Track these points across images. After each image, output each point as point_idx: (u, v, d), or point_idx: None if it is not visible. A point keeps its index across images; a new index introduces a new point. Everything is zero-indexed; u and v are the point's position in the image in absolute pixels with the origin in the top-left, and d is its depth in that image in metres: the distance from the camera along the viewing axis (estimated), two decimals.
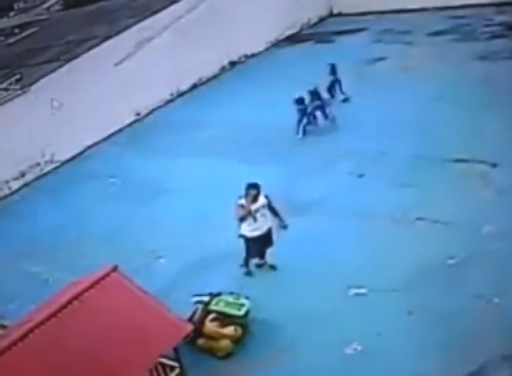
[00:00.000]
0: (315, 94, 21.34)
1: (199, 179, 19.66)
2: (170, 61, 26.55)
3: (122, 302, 10.73)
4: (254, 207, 13.94)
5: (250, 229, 14.12)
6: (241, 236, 14.36)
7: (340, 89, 23.12)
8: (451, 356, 11.25)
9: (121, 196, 19.99)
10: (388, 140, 18.83)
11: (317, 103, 21.31)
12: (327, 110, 21.39)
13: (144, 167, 21.45)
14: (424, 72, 20.68)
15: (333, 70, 23.08)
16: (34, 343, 9.78)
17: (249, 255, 14.60)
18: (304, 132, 21.17)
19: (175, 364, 11.14)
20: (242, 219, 14.04)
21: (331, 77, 23.07)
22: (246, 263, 14.72)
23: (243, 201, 14.02)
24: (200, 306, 13.00)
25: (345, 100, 23.02)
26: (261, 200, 14.08)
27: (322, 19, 34.29)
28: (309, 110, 21.20)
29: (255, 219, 13.98)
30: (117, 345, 10.19)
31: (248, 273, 14.74)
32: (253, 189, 14.03)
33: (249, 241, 14.28)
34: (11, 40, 31.22)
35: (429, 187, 16.45)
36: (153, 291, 11.49)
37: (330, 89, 23.00)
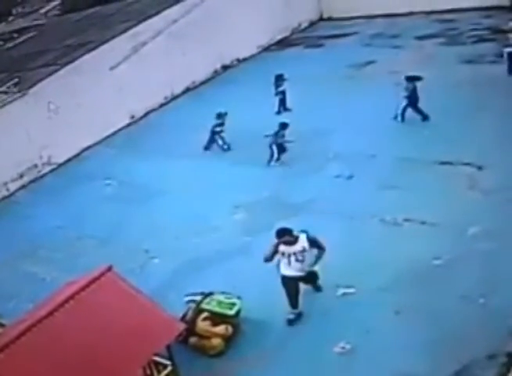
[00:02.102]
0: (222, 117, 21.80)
1: (193, 181, 19.86)
2: (164, 65, 26.87)
3: (117, 302, 10.87)
4: (289, 250, 12.65)
5: (285, 268, 12.86)
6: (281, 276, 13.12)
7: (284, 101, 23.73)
8: (437, 355, 11.42)
9: (117, 197, 20.17)
10: (376, 143, 19.00)
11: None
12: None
13: (139, 168, 21.64)
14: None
15: (278, 81, 23.54)
16: (31, 341, 9.91)
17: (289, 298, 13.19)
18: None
19: (168, 362, 11.25)
20: (266, 260, 12.71)
21: (279, 89, 23.56)
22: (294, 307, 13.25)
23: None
24: (193, 305, 13.14)
25: (279, 113, 23.63)
26: (300, 244, 12.68)
27: (312, 24, 34.68)
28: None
29: (289, 263, 12.73)
30: (111, 343, 10.32)
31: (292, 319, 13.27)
32: (283, 235, 12.67)
33: (284, 280, 13.02)
34: (9, 44, 31.43)
35: (416, 189, 16.60)
36: (146, 290, 11.62)
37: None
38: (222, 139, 21.78)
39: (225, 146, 21.75)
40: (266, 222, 16.38)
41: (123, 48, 26.05)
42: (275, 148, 19.89)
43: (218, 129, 21.78)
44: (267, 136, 20.00)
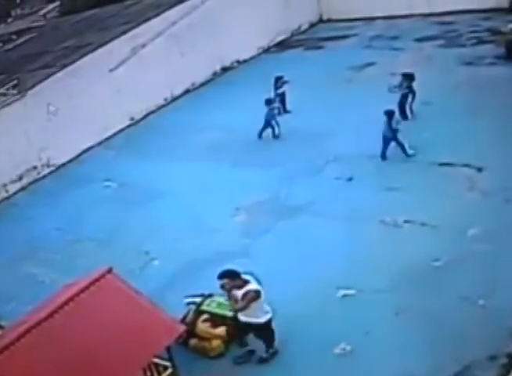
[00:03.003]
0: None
1: (192, 182, 19.84)
2: (163, 67, 26.88)
3: (117, 303, 10.88)
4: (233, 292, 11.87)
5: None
6: None
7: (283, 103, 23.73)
8: (437, 356, 11.42)
9: (116, 199, 20.16)
10: (376, 144, 18.87)
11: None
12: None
13: (138, 170, 21.59)
14: None
15: (278, 82, 23.52)
16: (30, 343, 9.92)
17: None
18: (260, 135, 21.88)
19: (168, 364, 11.27)
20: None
21: (279, 91, 23.53)
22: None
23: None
24: (193, 307, 13.17)
25: (279, 114, 23.41)
26: (241, 292, 11.79)
27: (312, 26, 34.63)
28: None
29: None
30: (111, 345, 10.33)
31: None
32: (222, 278, 11.82)
33: None
34: (8, 46, 31.46)
35: (416, 191, 16.63)
36: (146, 292, 11.63)
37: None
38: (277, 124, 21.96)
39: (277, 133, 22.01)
40: (266, 224, 16.43)
41: (122, 50, 26.02)
42: (400, 140, 18.76)
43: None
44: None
